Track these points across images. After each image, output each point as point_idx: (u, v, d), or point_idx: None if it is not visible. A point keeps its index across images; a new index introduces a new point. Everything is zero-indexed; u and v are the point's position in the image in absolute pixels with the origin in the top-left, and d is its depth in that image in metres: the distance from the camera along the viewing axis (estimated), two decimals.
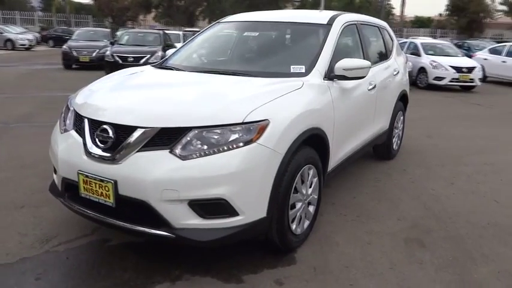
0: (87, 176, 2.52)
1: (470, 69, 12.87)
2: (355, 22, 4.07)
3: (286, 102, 2.69)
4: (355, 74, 3.26)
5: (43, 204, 3.59)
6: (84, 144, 2.58)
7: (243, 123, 2.42)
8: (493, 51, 16.50)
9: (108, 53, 12.32)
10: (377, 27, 4.76)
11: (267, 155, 2.46)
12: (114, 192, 2.43)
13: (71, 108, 2.91)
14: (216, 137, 2.39)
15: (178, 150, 2.36)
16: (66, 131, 2.82)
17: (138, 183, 2.36)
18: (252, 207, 2.45)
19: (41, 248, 2.90)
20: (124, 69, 3.69)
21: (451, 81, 12.82)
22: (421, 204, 3.90)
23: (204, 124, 2.40)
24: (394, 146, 5.21)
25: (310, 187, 2.98)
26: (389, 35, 5.13)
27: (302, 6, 38.89)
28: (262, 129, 2.44)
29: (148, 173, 2.34)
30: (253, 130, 2.42)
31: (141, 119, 2.46)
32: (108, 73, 12.31)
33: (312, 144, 2.89)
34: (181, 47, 4.06)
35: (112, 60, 11.97)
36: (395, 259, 2.90)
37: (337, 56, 3.41)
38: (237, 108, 2.50)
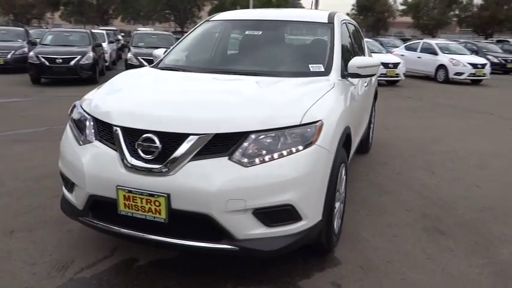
0: (129, 191, 2.27)
1: (395, 65, 13.82)
2: (345, 21, 4.15)
3: (328, 102, 2.66)
4: (368, 72, 3.31)
5: (36, 226, 3.17)
6: (122, 156, 2.31)
7: (300, 125, 2.34)
8: (409, 48, 17.89)
9: (31, 54, 11.21)
10: (354, 25, 4.90)
11: (325, 156, 2.41)
12: (167, 207, 2.22)
13: (88, 117, 2.58)
14: (275, 140, 2.28)
15: (238, 157, 2.22)
16: (87, 142, 2.50)
17: (198, 195, 2.18)
18: (313, 210, 2.39)
19: (61, 276, 2.55)
20: (125, 72, 3.38)
21: (379, 77, 13.61)
22: (417, 194, 4.10)
23: (261, 128, 2.28)
24: (369, 140, 5.42)
25: (342, 185, 2.98)
26: (361, 34, 5.31)
27: (221, 5, 38.83)
28: (319, 130, 2.39)
29: (210, 183, 2.17)
30: (312, 132, 2.35)
31: (193, 125, 2.26)
32: (33, 76, 11.38)
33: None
34: (174, 47, 3.81)
35: (37, 62, 10.92)
36: (427, 249, 3.01)
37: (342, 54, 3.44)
38: (291, 110, 2.41)
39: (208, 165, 2.21)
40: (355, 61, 3.28)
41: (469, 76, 15.31)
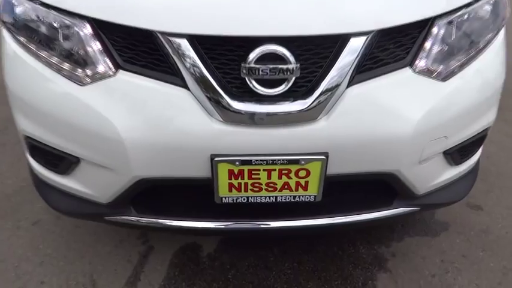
0: (244, 163, 1.18)
1: None
2: None
3: None
4: None
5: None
6: (208, 95, 1.13)
7: None
8: None
9: None
10: None
11: None
12: (322, 175, 1.22)
13: (76, 22, 1.18)
14: (464, 29, 1.32)
15: (425, 65, 1.24)
16: (98, 76, 1.19)
17: (380, 145, 1.21)
18: None
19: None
20: None
21: None
22: None
23: (445, 10, 1.27)
24: None
25: None
26: None
27: None
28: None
29: (401, 120, 1.21)
30: (503, 4, 1.43)
31: (351, 19, 1.14)
32: None
33: None
34: None
35: None
36: None
37: None
38: None
39: (384, 88, 1.21)
40: None
41: None
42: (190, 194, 1.35)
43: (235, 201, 1.25)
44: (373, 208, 1.39)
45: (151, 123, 1.15)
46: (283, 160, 1.17)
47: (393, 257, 1.70)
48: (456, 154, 1.40)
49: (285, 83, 1.13)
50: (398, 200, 1.40)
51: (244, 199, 1.25)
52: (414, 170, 1.31)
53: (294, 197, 1.26)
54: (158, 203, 1.38)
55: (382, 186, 1.36)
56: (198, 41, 1.11)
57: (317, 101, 1.14)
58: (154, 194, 1.34)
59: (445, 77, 1.25)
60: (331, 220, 1.36)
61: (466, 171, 1.52)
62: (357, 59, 1.14)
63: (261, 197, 1.25)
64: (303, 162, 1.18)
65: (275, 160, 1.17)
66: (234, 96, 1.14)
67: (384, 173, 1.26)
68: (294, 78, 1.13)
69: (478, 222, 1.88)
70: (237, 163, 1.17)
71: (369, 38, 1.14)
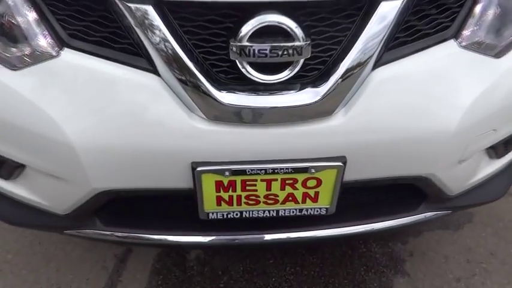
0: (235, 172, 0.89)
1: None
2: None
3: None
4: None
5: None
6: (191, 84, 0.82)
7: None
8: None
9: None
10: None
11: None
12: (337, 184, 0.94)
13: None
14: None
15: (475, 37, 0.94)
16: (35, 58, 0.87)
17: (413, 145, 0.93)
18: None
19: None
20: None
21: None
22: None
23: None
24: None
25: None
26: None
27: None
28: None
29: (443, 111, 0.92)
30: None
31: None
32: None
33: None
34: None
35: None
36: None
37: None
38: None
39: (422, 69, 0.91)
40: None
41: None
42: (172, 203, 1.08)
43: (225, 217, 0.98)
44: (395, 213, 1.13)
45: (109, 121, 0.86)
46: (287, 168, 0.90)
47: (411, 257, 1.47)
48: (501, 146, 1.13)
49: (291, 66, 0.83)
50: (427, 203, 1.14)
51: (236, 214, 0.98)
52: (451, 171, 1.03)
53: (301, 210, 0.99)
54: (132, 212, 1.11)
55: (407, 189, 1.09)
56: (168, 9, 0.79)
57: (333, 90, 0.85)
58: (126, 202, 1.07)
59: (498, 52, 0.96)
60: (346, 230, 1.11)
61: (507, 164, 1.25)
62: (388, 30, 0.84)
63: (258, 211, 0.98)
64: (313, 171, 0.90)
65: (276, 169, 0.89)
66: (220, 85, 0.84)
67: (415, 177, 0.99)
68: (302, 60, 0.82)
69: (506, 211, 1.64)
70: (227, 173, 0.89)
71: (404, 1, 0.82)
